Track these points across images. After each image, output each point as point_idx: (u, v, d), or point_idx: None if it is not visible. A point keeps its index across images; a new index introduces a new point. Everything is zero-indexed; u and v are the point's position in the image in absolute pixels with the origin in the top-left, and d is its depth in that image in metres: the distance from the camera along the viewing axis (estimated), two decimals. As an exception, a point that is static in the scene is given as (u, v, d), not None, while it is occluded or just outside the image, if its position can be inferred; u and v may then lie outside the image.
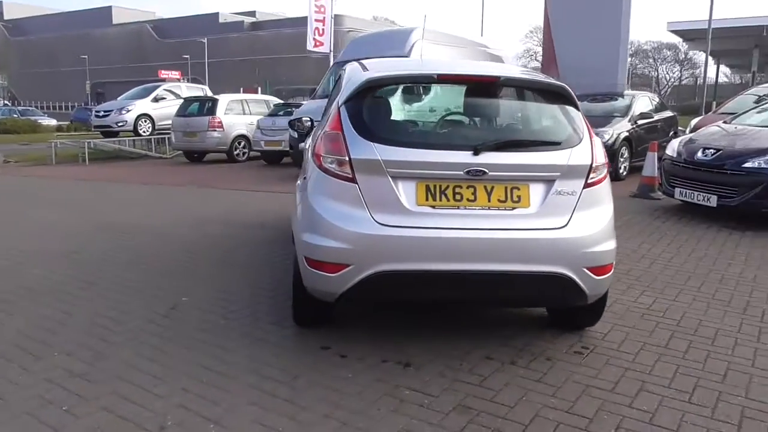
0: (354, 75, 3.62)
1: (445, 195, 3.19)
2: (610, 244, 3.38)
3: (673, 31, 32.93)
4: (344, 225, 3.20)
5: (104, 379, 3.12)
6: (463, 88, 3.58)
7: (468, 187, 3.19)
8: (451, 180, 3.19)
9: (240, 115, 15.99)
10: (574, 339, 3.74)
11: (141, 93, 20.36)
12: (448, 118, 3.54)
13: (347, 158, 3.21)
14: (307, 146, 6.41)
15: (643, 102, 12.09)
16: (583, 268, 3.26)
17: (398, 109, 3.58)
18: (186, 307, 4.19)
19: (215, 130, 15.36)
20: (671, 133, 12.05)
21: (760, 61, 32.72)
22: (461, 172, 3.16)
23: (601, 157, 3.37)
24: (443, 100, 3.57)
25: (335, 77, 13.01)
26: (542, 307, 3.81)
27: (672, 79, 70.09)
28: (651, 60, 70.94)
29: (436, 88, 3.50)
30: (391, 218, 3.17)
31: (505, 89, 3.56)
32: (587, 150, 3.33)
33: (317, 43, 19.99)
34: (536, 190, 3.24)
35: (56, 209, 8.58)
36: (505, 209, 3.20)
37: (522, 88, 3.58)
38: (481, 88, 3.59)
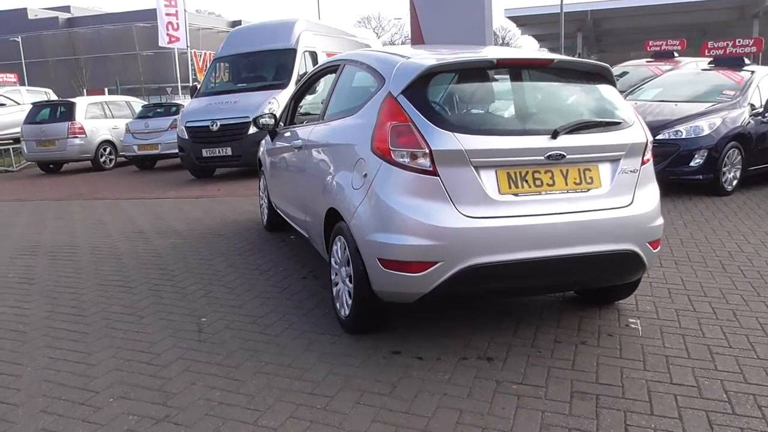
0: (398, 63, 3.39)
1: (526, 181, 3.13)
2: (661, 219, 3.53)
3: (509, 18, 35.35)
4: (429, 220, 3.03)
5: (196, 419, 2.71)
6: (519, 72, 3.51)
7: (546, 172, 3.16)
8: (531, 165, 3.14)
9: (102, 119, 14.63)
10: (613, 314, 3.86)
11: (-28, 100, 17.85)
12: (515, 103, 3.46)
13: (427, 150, 3.04)
14: (263, 151, 5.94)
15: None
16: (646, 242, 3.38)
17: (463, 96, 3.44)
18: (213, 328, 3.75)
19: (77, 137, 13.91)
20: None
21: (582, 42, 36.07)
22: (542, 157, 3.12)
23: (650, 135, 3.49)
24: (501, 85, 3.49)
25: (216, 73, 12.38)
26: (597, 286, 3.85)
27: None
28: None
29: (491, 73, 3.41)
30: (477, 210, 3.06)
31: (557, 72, 3.53)
32: (640, 128, 3.43)
33: (172, 39, 18.81)
34: (605, 170, 3.28)
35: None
36: (581, 191, 3.21)
37: (572, 70, 3.57)
38: (537, 71, 3.56)
